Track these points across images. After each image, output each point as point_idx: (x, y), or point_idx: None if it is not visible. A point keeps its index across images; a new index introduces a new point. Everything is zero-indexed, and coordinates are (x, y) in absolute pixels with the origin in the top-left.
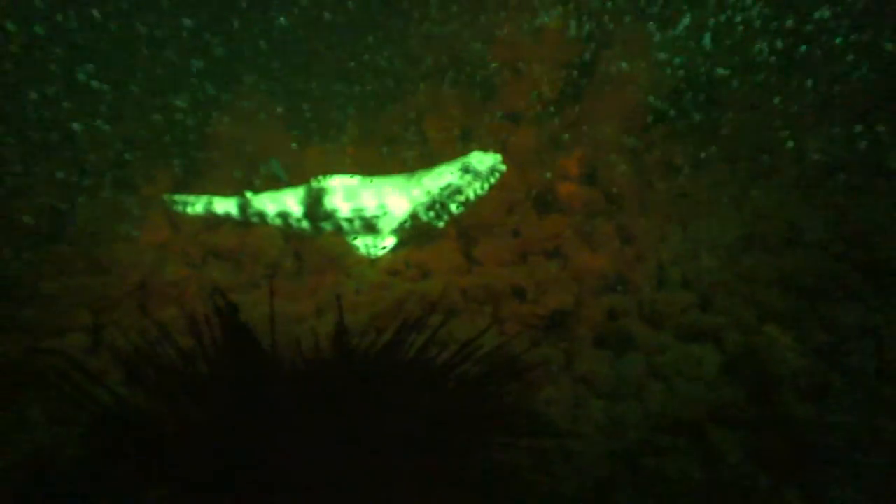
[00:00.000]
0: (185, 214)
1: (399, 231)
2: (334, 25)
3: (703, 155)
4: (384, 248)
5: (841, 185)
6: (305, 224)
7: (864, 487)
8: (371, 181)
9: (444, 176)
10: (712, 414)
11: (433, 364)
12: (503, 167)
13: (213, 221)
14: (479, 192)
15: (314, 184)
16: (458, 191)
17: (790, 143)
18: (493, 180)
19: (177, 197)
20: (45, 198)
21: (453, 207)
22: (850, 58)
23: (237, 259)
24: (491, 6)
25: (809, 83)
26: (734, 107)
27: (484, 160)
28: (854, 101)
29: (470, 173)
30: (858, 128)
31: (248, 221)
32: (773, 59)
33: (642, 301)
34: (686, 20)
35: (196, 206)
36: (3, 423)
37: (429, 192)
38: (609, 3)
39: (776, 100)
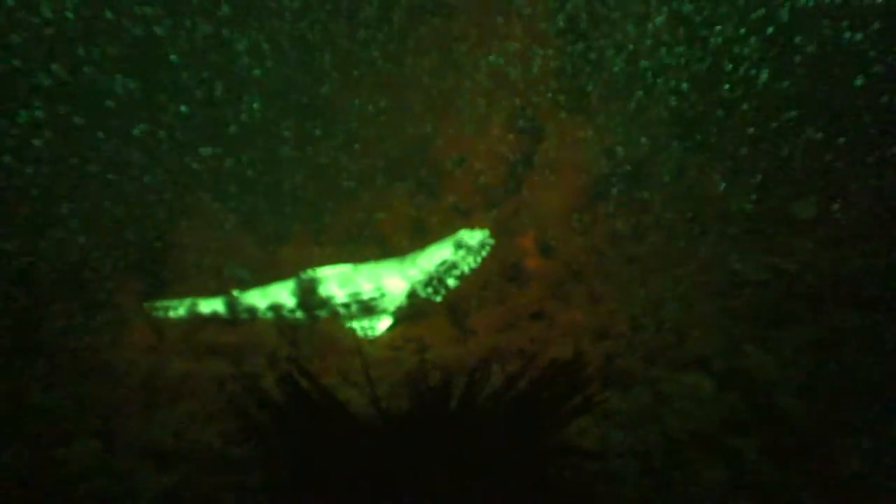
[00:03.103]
0: (167, 319)
1: (396, 310)
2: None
3: (642, 225)
4: (381, 328)
5: (764, 235)
6: (299, 314)
7: (863, 458)
8: (362, 268)
9: (439, 253)
10: (721, 425)
11: (481, 409)
12: (492, 241)
13: (197, 323)
14: (472, 265)
15: (304, 275)
16: (454, 266)
17: (715, 208)
18: (484, 253)
19: (157, 303)
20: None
21: (450, 282)
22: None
23: (234, 353)
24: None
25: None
26: (661, 181)
27: (474, 236)
28: (761, 161)
29: (463, 248)
30: (766, 185)
31: (237, 319)
32: (687, 139)
33: (631, 344)
34: (611, 109)
35: (179, 309)
36: None
37: (425, 270)
38: (544, 98)
39: (692, 172)
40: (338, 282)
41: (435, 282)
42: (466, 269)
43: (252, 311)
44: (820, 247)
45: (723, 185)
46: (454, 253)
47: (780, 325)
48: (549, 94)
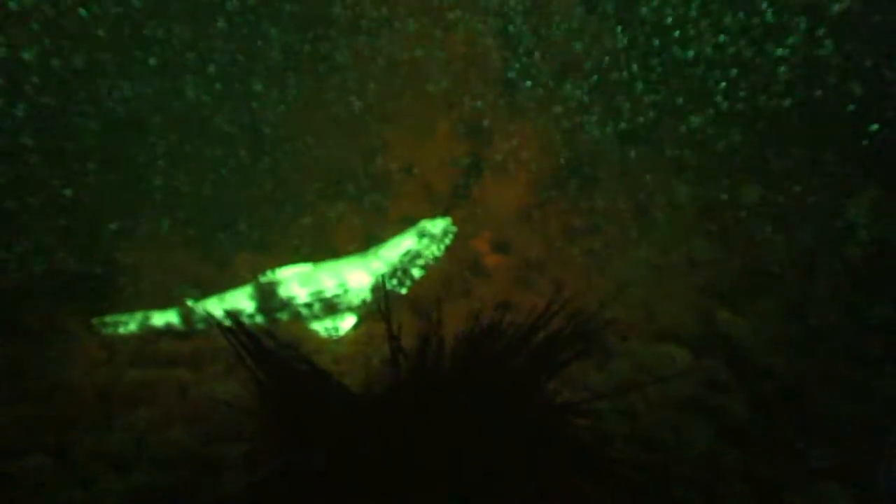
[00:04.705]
0: (117, 335)
1: (360, 307)
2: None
3: (595, 218)
4: (345, 327)
5: (712, 221)
6: (259, 319)
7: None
8: (324, 266)
9: (402, 244)
10: (706, 385)
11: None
12: (454, 228)
13: (150, 338)
14: (436, 253)
15: (263, 278)
16: (418, 255)
17: (664, 197)
18: (447, 241)
19: (107, 318)
20: None
21: (415, 272)
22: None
23: (193, 361)
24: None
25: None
26: (611, 175)
27: (436, 224)
28: (704, 159)
29: (426, 237)
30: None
31: (193, 330)
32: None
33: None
34: (557, 111)
35: (129, 324)
36: None
37: (389, 262)
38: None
39: (640, 166)
40: (299, 281)
41: (400, 273)
42: (431, 257)
43: (208, 320)
44: (769, 226)
45: (671, 176)
46: (417, 242)
47: (746, 296)
48: (494, 97)
